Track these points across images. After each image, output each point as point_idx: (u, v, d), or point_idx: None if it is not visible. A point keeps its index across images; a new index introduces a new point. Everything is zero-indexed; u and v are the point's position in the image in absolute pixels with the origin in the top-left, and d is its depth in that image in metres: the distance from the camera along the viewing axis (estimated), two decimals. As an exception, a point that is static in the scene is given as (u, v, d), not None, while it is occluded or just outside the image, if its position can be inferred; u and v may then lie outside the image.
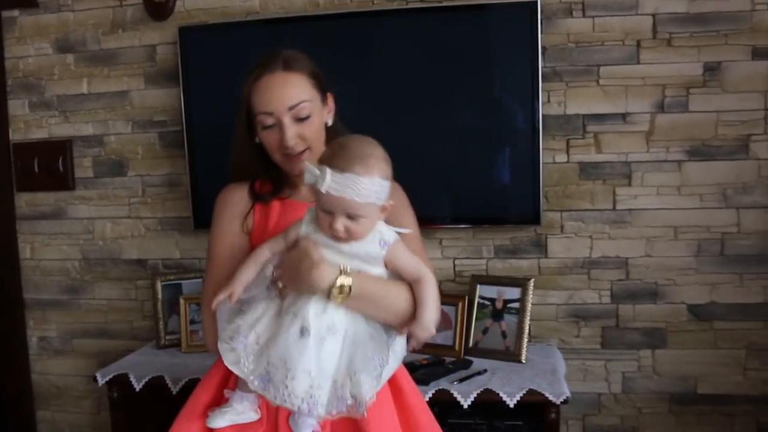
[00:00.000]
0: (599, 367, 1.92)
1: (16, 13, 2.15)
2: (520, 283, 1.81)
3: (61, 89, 2.13)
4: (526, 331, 1.77)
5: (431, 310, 0.98)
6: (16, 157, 2.17)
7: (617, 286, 1.89)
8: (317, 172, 0.92)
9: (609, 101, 1.86)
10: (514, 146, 1.86)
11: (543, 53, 1.84)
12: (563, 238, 1.90)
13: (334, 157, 0.93)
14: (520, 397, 1.55)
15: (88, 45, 2.10)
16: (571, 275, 1.91)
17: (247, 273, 0.99)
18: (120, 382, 1.77)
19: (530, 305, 1.79)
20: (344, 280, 0.93)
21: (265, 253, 1.00)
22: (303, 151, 1.07)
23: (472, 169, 1.87)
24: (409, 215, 1.13)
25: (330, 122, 1.12)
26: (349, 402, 0.91)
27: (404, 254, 1.00)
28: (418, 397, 1.13)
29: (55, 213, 2.18)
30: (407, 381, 1.11)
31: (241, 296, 0.98)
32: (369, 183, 0.92)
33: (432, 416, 1.12)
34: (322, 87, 1.11)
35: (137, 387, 1.73)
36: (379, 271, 0.99)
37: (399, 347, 0.99)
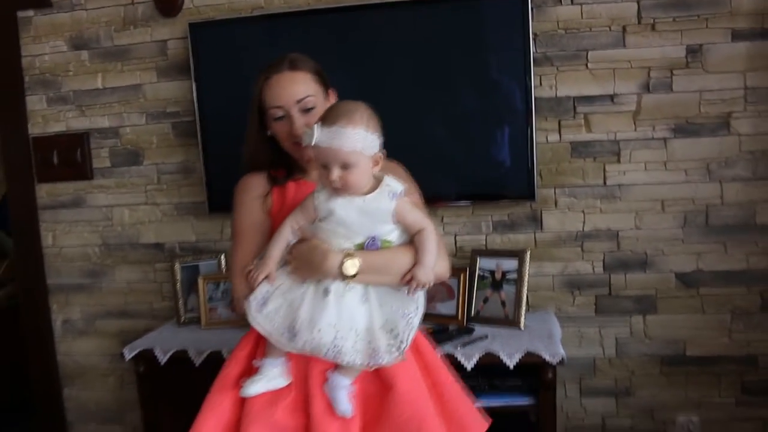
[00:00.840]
0: (594, 333, 2.04)
1: (31, 13, 2.25)
2: (518, 255, 1.93)
3: (77, 84, 2.23)
4: (524, 299, 1.89)
5: (432, 253, 1.09)
6: (36, 150, 2.28)
7: (609, 257, 2.01)
8: (310, 131, 1.07)
9: (597, 83, 1.97)
10: (509, 128, 1.97)
11: (534, 39, 1.95)
12: (557, 213, 2.02)
13: (324, 116, 1.09)
14: (519, 359, 1.68)
15: (102, 42, 2.20)
16: (566, 247, 2.03)
17: (276, 250, 1.12)
18: (145, 356, 1.89)
19: (527, 275, 1.91)
20: (351, 261, 1.06)
21: (287, 228, 1.12)
22: None
23: (470, 149, 1.98)
24: (412, 190, 1.24)
25: None
26: (388, 351, 1.04)
27: (410, 207, 1.11)
28: (436, 356, 1.23)
29: (75, 202, 2.29)
30: (424, 342, 1.22)
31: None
32: (353, 133, 1.05)
33: (449, 373, 1.22)
34: (325, 83, 1.27)
35: (162, 361, 1.85)
36: (390, 228, 1.10)
37: (421, 297, 1.11)
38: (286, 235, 1.12)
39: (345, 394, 1.08)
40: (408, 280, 1.08)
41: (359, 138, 1.05)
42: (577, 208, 2.01)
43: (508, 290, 1.91)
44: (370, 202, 1.09)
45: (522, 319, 1.87)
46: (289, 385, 1.13)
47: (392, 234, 1.10)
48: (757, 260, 1.95)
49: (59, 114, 2.26)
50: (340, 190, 1.07)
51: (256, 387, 1.11)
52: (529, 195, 1.96)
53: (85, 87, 2.23)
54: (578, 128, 1.98)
